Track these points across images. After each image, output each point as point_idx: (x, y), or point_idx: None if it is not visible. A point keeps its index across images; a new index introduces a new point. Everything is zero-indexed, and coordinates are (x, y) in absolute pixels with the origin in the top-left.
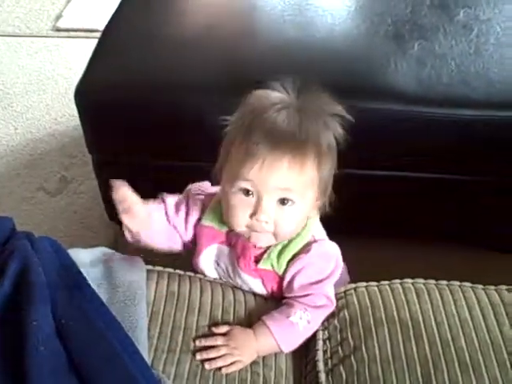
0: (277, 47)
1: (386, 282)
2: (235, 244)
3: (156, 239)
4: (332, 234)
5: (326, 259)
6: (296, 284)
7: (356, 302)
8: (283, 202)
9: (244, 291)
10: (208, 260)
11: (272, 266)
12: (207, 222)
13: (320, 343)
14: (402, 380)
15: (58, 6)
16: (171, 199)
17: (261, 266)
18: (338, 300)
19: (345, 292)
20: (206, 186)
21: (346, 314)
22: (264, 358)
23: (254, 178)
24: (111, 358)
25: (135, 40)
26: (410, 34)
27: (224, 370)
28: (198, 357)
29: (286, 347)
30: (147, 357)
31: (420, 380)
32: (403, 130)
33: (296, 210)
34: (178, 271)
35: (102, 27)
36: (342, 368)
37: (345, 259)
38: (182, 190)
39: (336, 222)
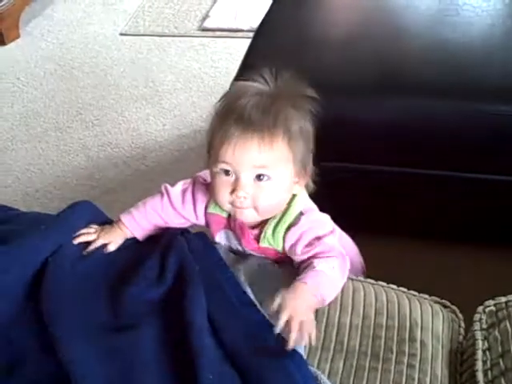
0: (434, 48)
1: None
2: (234, 227)
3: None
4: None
5: (318, 224)
6: (298, 251)
7: None
8: (259, 177)
9: (395, 291)
10: (221, 243)
11: (270, 243)
12: (212, 209)
13: (479, 353)
14: None
15: (205, 7)
16: (175, 191)
17: (261, 244)
18: (497, 311)
19: (506, 303)
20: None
21: (508, 325)
22: (420, 362)
23: (229, 159)
24: (265, 355)
25: (287, 40)
26: None
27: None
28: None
29: (324, 294)
30: (302, 352)
31: None
32: None
33: (272, 185)
34: None
35: (246, 27)
36: (503, 381)
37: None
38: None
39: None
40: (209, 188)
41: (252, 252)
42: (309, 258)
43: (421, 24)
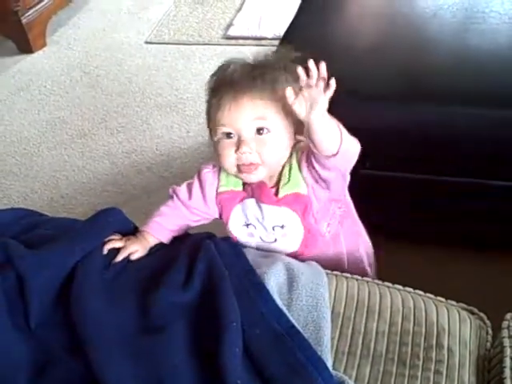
0: (460, 55)
1: None
2: (252, 190)
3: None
4: None
5: None
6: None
7: None
8: (259, 132)
9: (422, 297)
10: (237, 224)
11: (290, 189)
12: (223, 187)
13: (507, 360)
14: None
15: (229, 15)
16: (182, 188)
17: (281, 194)
18: None
19: None
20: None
21: None
22: (447, 369)
23: (227, 121)
24: (292, 363)
25: (313, 48)
26: None
27: None
28: None
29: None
30: (329, 358)
31: None
32: None
33: (273, 136)
34: (355, 276)
35: (270, 35)
36: None
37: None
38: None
39: None
40: (215, 171)
41: (270, 207)
42: None
43: (447, 31)
